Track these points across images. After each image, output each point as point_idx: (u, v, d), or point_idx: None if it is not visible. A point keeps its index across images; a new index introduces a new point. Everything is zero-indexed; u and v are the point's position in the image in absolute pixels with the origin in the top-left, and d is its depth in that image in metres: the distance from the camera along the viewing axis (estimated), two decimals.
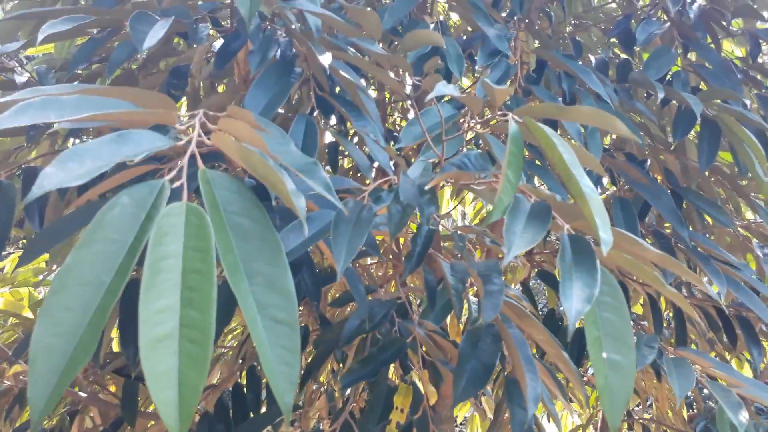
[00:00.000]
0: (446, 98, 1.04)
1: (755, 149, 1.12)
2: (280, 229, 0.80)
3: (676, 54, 1.39)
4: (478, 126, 0.77)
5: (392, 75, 0.85)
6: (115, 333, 1.92)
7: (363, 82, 1.21)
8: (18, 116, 0.45)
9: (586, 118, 0.67)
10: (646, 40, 1.35)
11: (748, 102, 1.24)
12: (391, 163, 0.90)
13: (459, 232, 0.86)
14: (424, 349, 0.98)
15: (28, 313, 1.47)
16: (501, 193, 0.61)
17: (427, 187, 0.69)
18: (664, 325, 1.50)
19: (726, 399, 0.95)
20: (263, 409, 1.34)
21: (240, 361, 1.42)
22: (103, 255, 0.44)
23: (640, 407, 2.29)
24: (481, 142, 0.96)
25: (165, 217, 0.46)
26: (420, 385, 0.99)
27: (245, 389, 1.33)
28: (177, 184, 0.49)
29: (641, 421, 2.16)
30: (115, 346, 1.68)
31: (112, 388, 1.60)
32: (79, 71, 1.17)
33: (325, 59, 0.84)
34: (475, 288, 0.95)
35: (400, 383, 0.91)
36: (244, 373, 1.40)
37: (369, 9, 0.76)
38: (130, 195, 0.47)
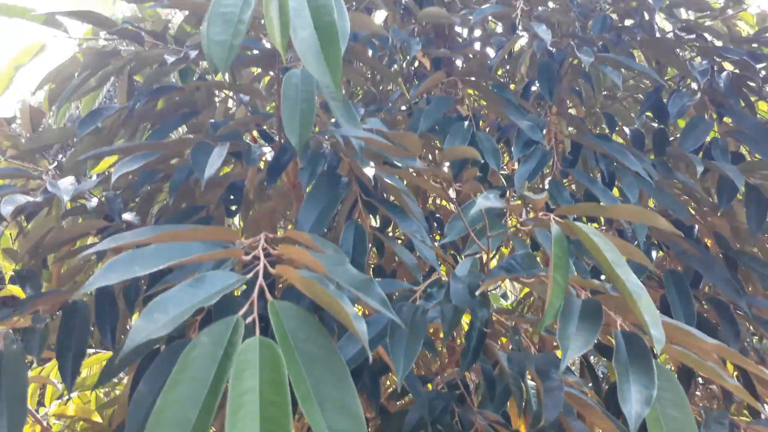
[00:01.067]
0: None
1: None
2: (339, 333, 0.84)
3: (711, 122, 1.41)
4: (521, 224, 0.80)
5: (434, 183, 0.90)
6: None
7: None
8: (108, 275, 0.51)
9: (627, 215, 0.70)
10: (678, 112, 1.38)
11: None
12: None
13: (514, 323, 0.88)
14: None
15: (97, 418, 1.52)
16: (551, 297, 0.63)
17: (477, 293, 0.72)
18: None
19: None
20: None
21: None
22: (189, 394, 0.48)
23: None
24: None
25: (242, 354, 0.50)
26: None
27: None
28: (249, 319, 0.54)
29: None
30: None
31: None
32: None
33: (369, 171, 0.90)
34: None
35: None
36: None
37: (408, 132, 0.82)
38: (209, 334, 0.52)
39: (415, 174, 0.94)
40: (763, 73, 1.49)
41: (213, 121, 1.18)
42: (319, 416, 0.50)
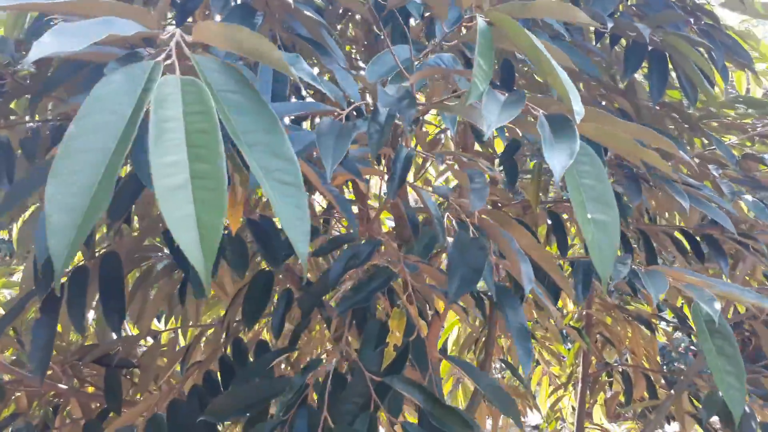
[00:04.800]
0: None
1: (702, 63, 1.18)
2: None
3: None
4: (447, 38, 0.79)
5: None
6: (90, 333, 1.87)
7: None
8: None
9: (548, 12, 0.70)
10: None
11: None
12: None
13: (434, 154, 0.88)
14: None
15: None
16: (475, 77, 0.63)
17: (407, 83, 0.71)
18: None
19: (700, 295, 1.00)
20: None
21: (225, 335, 1.40)
22: (104, 124, 0.44)
23: (618, 359, 2.35)
24: None
25: (162, 86, 0.46)
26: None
27: (232, 362, 1.32)
28: (168, 62, 0.50)
29: (620, 368, 2.22)
30: (91, 338, 1.65)
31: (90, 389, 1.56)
32: None
33: None
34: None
35: (394, 309, 0.92)
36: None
37: None
38: (124, 73, 0.48)
39: None
40: None
41: None
42: (249, 155, 0.47)
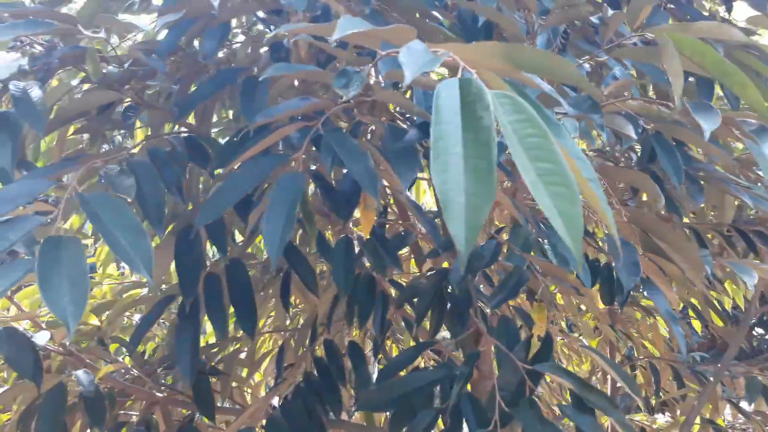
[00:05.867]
0: None
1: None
2: None
3: (666, 13, 1.58)
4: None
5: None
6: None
7: None
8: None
9: (707, 32, 0.80)
10: None
11: None
12: None
13: None
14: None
15: (94, 320, 1.43)
16: (674, 92, 0.72)
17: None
18: None
19: None
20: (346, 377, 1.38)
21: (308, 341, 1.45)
22: (446, 132, 0.51)
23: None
24: None
25: (493, 98, 0.53)
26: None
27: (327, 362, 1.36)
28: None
29: (640, 360, 2.34)
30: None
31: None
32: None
33: None
34: None
35: (534, 303, 1.00)
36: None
37: None
38: (441, 88, 0.54)
39: None
40: None
41: None
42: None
